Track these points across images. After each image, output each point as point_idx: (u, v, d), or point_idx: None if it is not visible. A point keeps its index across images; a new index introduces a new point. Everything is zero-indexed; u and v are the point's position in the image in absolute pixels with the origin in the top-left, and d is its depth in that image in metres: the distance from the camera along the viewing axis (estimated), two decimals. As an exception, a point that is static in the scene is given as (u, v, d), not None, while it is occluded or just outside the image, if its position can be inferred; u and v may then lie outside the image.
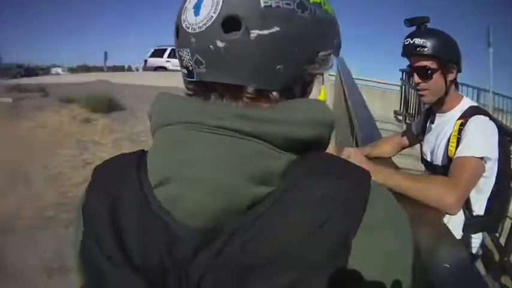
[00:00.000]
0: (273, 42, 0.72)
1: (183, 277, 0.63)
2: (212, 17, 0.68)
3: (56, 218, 6.35)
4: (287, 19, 0.72)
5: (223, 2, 0.68)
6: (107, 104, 12.04)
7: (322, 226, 0.60)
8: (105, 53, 35.10)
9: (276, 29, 0.71)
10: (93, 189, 0.76)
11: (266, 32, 0.71)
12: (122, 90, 15.75)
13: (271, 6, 0.70)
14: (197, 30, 0.69)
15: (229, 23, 0.68)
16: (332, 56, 0.81)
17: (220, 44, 0.69)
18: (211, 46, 0.69)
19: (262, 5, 0.70)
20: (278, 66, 0.73)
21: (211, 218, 0.63)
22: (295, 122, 0.69)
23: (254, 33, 0.70)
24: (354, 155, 2.10)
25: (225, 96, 0.72)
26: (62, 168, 8.45)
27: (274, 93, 0.74)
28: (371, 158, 2.41)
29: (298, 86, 0.78)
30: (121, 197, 0.71)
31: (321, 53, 0.77)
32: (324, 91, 0.85)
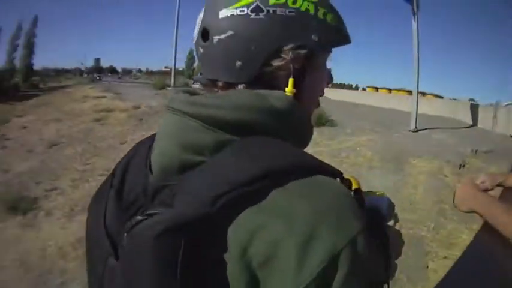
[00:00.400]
0: (229, 44, 0.90)
1: (142, 209, 0.79)
2: (197, 31, 0.93)
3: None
4: (240, 23, 0.89)
5: (202, 19, 0.92)
6: (318, 119, 12.15)
7: (215, 202, 0.67)
8: (329, 70, 36.80)
9: (230, 33, 0.89)
10: (128, 151, 1.01)
11: (223, 36, 0.89)
12: (338, 106, 16.15)
13: (227, 15, 0.89)
14: (194, 42, 0.95)
15: (205, 34, 0.91)
16: (317, 49, 0.93)
17: (201, 50, 0.93)
18: (199, 52, 0.94)
19: (220, 16, 0.89)
20: (237, 63, 0.90)
21: (160, 173, 0.81)
22: (224, 107, 0.81)
23: (216, 38, 0.89)
24: (467, 182, 1.77)
25: (206, 88, 0.95)
26: None
27: (240, 85, 0.91)
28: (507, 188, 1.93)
29: (268, 79, 0.91)
30: (136, 155, 0.94)
31: (286, 48, 0.90)
32: (291, 82, 0.91)
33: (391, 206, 1.10)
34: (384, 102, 19.85)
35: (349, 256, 0.66)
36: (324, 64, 1.03)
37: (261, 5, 0.90)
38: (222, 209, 0.67)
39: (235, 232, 0.67)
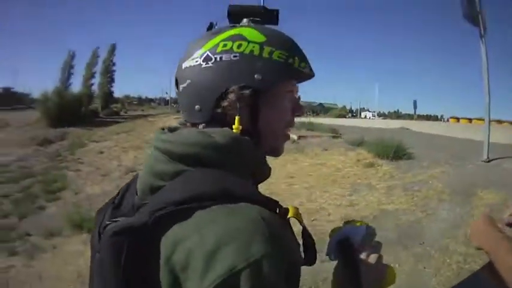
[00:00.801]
0: (189, 91, 1.09)
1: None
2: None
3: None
4: (194, 73, 1.07)
5: (176, 71, 1.12)
6: (394, 151, 12.07)
7: (151, 216, 0.85)
8: (415, 102, 36.10)
9: (188, 81, 1.09)
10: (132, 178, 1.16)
11: (184, 85, 1.09)
12: (419, 138, 15.93)
13: (186, 67, 1.10)
14: None
15: (176, 83, 1.12)
16: (261, 87, 1.05)
17: (177, 96, 1.15)
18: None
19: (183, 67, 1.10)
20: (196, 107, 1.08)
21: (140, 194, 1.00)
22: (175, 142, 0.99)
23: (181, 87, 1.10)
24: (482, 216, 1.53)
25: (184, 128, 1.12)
26: (325, 204, 8.83)
27: (201, 125, 1.08)
28: None
29: (221, 118, 1.06)
30: (134, 181, 1.10)
31: (230, 90, 1.04)
32: (237, 120, 1.04)
33: (367, 236, 1.15)
34: (464, 133, 19.16)
35: (250, 277, 0.74)
36: (283, 98, 1.12)
37: (210, 54, 1.06)
38: (156, 221, 0.83)
39: (164, 242, 0.82)
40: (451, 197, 8.18)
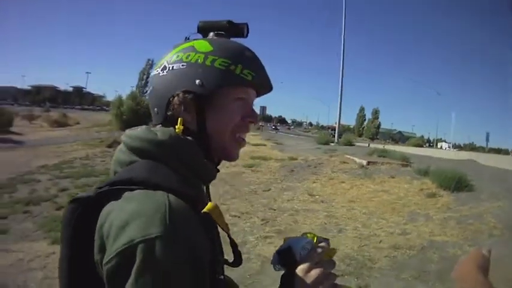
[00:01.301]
0: (150, 96, 1.26)
1: None
2: None
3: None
4: (154, 80, 1.25)
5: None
6: (456, 183, 12.07)
7: (96, 191, 1.03)
8: (487, 134, 35.61)
9: (151, 88, 1.27)
10: None
11: (148, 91, 1.28)
12: (484, 171, 15.69)
13: (151, 75, 1.29)
14: None
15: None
16: (201, 91, 1.17)
17: None
18: None
19: (150, 75, 1.31)
20: (155, 110, 1.25)
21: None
22: (129, 137, 1.17)
23: (147, 92, 1.30)
24: (471, 254, 1.10)
25: None
26: (379, 231, 8.85)
27: (158, 125, 1.24)
28: None
29: (171, 119, 1.20)
30: None
31: (176, 93, 1.18)
32: (179, 121, 1.18)
33: (305, 247, 1.15)
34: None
35: (143, 251, 0.87)
36: (229, 103, 1.22)
37: (166, 64, 1.23)
38: (98, 196, 1.02)
39: (101, 214, 0.99)
40: (502, 232, 8.09)
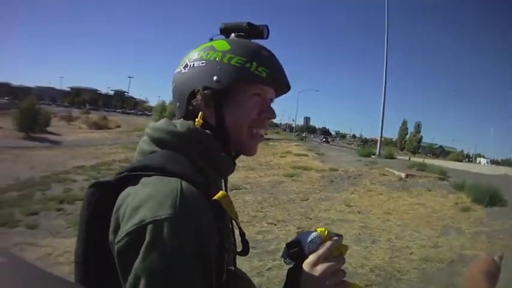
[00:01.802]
0: (173, 92, 1.32)
1: None
2: None
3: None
4: (177, 77, 1.30)
5: None
6: (489, 198, 12.01)
7: (116, 177, 1.10)
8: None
9: (174, 84, 1.31)
10: None
11: (172, 87, 1.32)
12: None
13: (175, 73, 1.32)
14: None
15: None
16: (218, 87, 1.21)
17: None
18: None
19: (174, 73, 1.32)
20: (177, 104, 1.30)
21: None
22: (152, 128, 1.23)
23: (172, 88, 1.33)
24: (478, 260, 1.29)
25: None
26: (412, 243, 8.82)
27: (181, 119, 1.28)
28: None
29: (192, 113, 1.25)
30: None
31: (196, 89, 1.23)
32: (200, 115, 1.23)
33: (313, 240, 1.14)
34: None
35: (152, 230, 0.92)
36: (247, 99, 1.26)
37: (188, 62, 1.28)
38: (117, 181, 1.08)
39: (119, 197, 1.04)
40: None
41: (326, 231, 1.17)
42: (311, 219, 11.09)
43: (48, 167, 19.72)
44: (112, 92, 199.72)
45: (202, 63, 1.25)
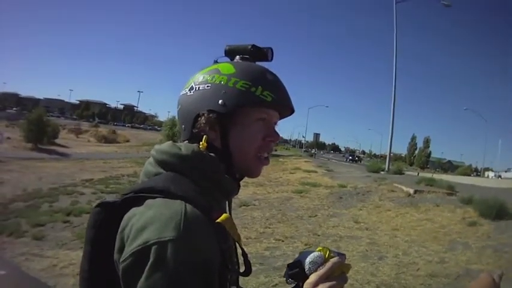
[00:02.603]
0: (179, 114, 1.32)
1: None
2: None
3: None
4: (182, 100, 1.30)
5: None
6: (496, 211, 11.95)
7: (122, 197, 1.09)
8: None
9: (179, 106, 1.31)
10: None
11: (177, 109, 1.32)
12: None
13: (180, 95, 1.32)
14: None
15: None
16: (223, 110, 1.21)
17: None
18: None
19: (180, 95, 1.32)
20: (183, 126, 1.30)
21: None
22: (157, 151, 1.22)
23: (177, 110, 1.33)
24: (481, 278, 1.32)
25: None
26: (418, 259, 8.84)
27: (186, 141, 1.28)
28: None
29: (197, 136, 1.25)
30: None
31: (201, 112, 1.23)
32: (204, 138, 1.23)
33: (314, 261, 1.11)
34: None
35: (156, 251, 0.93)
36: (252, 123, 1.26)
37: (193, 85, 1.28)
38: (123, 202, 1.08)
39: (124, 218, 1.05)
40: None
41: (328, 251, 1.15)
42: (319, 235, 11.06)
43: (56, 179, 19.75)
44: (121, 106, 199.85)
45: (207, 86, 1.25)
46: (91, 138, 74.06)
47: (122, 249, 1.00)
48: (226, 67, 1.28)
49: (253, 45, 1.37)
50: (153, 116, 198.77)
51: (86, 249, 1.14)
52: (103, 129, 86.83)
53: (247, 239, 10.34)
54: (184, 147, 1.21)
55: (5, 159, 27.74)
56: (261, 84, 1.25)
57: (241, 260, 1.32)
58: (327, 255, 1.14)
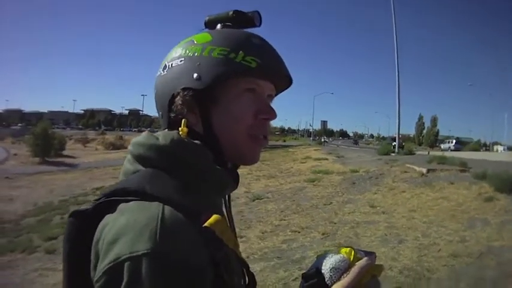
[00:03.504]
0: (155, 99, 1.13)
1: None
2: None
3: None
4: (156, 82, 1.12)
5: None
6: (511, 184, 11.68)
7: (93, 204, 0.90)
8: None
9: (154, 91, 1.13)
10: None
11: (153, 94, 1.14)
12: None
13: (155, 77, 1.13)
14: None
15: None
16: (199, 86, 1.02)
17: None
18: None
19: (155, 76, 1.13)
20: (159, 113, 1.12)
21: None
22: (134, 144, 1.03)
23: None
24: None
25: None
26: (439, 240, 8.59)
27: (166, 130, 1.08)
28: None
29: (175, 122, 1.05)
30: None
31: (176, 92, 1.04)
32: (183, 123, 1.02)
33: (336, 267, 0.95)
34: None
35: (129, 268, 0.75)
36: (238, 97, 1.05)
37: (166, 63, 1.10)
38: (95, 209, 0.89)
39: (98, 228, 0.86)
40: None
41: (352, 252, 0.98)
42: (335, 223, 10.88)
43: (66, 190, 19.99)
44: (126, 112, 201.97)
45: (181, 61, 1.07)
46: (98, 146, 74.47)
47: (96, 266, 0.82)
48: (202, 36, 1.09)
49: (235, 11, 1.16)
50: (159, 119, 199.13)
51: (64, 265, 0.95)
52: (110, 136, 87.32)
53: (263, 233, 10.25)
54: (162, 136, 1.01)
55: (14, 175, 28.24)
56: (243, 48, 1.04)
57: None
58: (351, 258, 0.97)
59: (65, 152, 51.56)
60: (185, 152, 0.99)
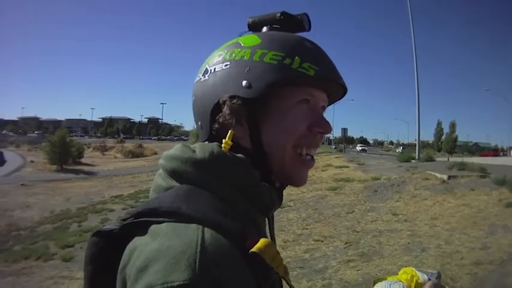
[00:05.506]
0: (193, 107, 1.01)
1: None
2: None
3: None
4: (196, 88, 1.00)
5: None
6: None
7: (120, 224, 0.80)
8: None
9: (193, 98, 1.01)
10: None
11: (191, 102, 1.02)
12: None
13: (194, 83, 1.01)
14: None
15: None
16: (249, 94, 0.89)
17: None
18: None
19: (194, 82, 1.02)
20: (199, 123, 1.00)
21: None
22: (167, 158, 0.91)
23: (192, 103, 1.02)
24: None
25: None
26: (461, 247, 8.41)
27: (206, 142, 0.96)
28: None
29: (219, 134, 0.94)
30: None
31: (222, 100, 0.91)
32: (229, 135, 0.90)
33: None
34: None
35: None
36: (291, 109, 0.94)
37: (208, 67, 0.98)
38: (122, 229, 0.80)
39: (126, 251, 0.77)
40: None
41: (413, 276, 0.89)
42: (358, 232, 10.81)
43: (84, 198, 20.05)
44: (146, 120, 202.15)
45: (226, 65, 0.95)
46: (117, 154, 74.33)
47: None
48: (250, 38, 0.97)
49: (283, 12, 1.05)
50: (178, 127, 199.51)
51: None
52: (129, 144, 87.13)
53: (285, 242, 10.17)
54: (200, 148, 0.90)
55: (30, 182, 28.26)
56: (298, 54, 0.92)
57: None
58: (413, 284, 0.88)
59: (83, 160, 51.68)
60: (227, 168, 0.87)
